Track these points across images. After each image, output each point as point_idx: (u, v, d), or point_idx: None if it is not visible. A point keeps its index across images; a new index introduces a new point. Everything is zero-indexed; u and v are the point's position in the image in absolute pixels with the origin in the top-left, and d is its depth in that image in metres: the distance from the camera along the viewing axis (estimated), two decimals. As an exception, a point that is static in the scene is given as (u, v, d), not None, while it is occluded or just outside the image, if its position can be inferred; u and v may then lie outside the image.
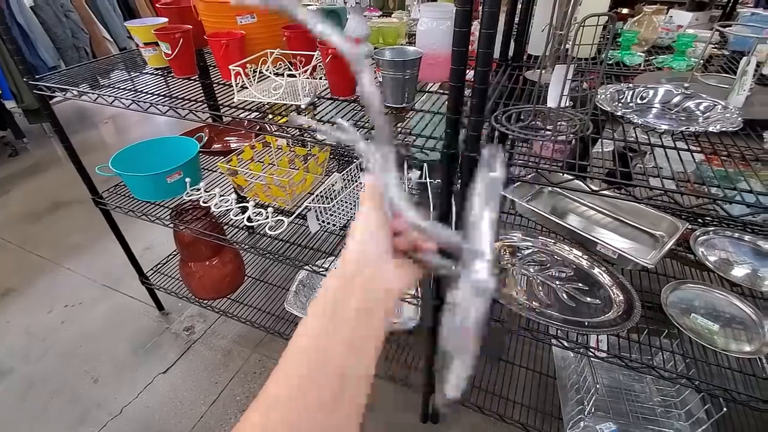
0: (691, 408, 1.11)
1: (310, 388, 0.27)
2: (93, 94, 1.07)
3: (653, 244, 1.11)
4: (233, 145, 1.67)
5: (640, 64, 1.12)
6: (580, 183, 0.70)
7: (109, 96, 1.04)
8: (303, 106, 0.95)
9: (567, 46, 0.93)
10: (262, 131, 1.40)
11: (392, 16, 1.57)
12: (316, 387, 0.27)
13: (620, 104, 0.87)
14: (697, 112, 0.82)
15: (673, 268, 1.14)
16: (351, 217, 1.27)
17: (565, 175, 0.68)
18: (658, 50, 1.24)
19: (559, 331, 0.89)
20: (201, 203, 1.25)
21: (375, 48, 1.21)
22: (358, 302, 0.30)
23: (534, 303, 0.94)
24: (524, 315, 0.88)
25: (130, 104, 1.01)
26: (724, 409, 0.93)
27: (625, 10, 2.79)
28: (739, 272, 1.04)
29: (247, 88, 0.97)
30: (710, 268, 1.03)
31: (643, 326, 0.92)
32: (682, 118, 0.83)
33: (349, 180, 1.35)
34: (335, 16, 1.25)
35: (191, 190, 1.28)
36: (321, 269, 1.15)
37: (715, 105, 0.81)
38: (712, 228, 1.15)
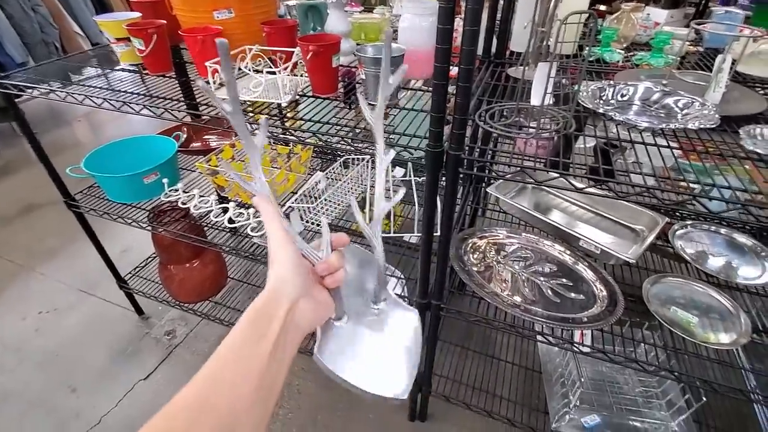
0: (672, 398, 1.13)
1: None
2: (62, 92, 1.03)
3: (634, 238, 1.13)
4: (213, 144, 1.62)
5: (619, 61, 1.13)
6: (564, 180, 0.71)
7: (79, 94, 0.99)
8: (284, 104, 0.93)
9: (549, 43, 0.93)
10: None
11: (374, 11, 1.55)
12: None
13: (602, 101, 0.88)
14: (676, 109, 0.83)
15: (653, 260, 1.17)
16: (336, 215, 1.25)
17: (550, 173, 0.68)
18: (636, 47, 1.26)
19: (544, 327, 0.89)
20: (180, 204, 1.22)
21: (357, 44, 1.19)
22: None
23: (519, 299, 0.94)
24: (509, 312, 0.88)
25: (102, 103, 0.97)
26: (704, 399, 0.95)
27: (602, 7, 2.83)
28: (715, 264, 1.07)
29: (225, 86, 0.94)
30: (688, 261, 1.05)
31: (625, 318, 0.94)
32: (662, 115, 0.84)
33: (332, 178, 1.33)
34: (316, 11, 1.22)
35: (169, 191, 1.24)
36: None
37: (693, 102, 0.82)
38: (690, 222, 1.18)
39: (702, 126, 0.73)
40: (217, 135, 1.66)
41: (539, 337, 0.91)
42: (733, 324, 0.92)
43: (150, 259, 1.68)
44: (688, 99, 0.83)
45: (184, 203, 1.22)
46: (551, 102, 0.73)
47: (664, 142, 0.77)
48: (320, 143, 0.88)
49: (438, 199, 1.00)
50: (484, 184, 1.44)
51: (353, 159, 1.39)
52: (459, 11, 1.39)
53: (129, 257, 1.86)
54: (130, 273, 1.61)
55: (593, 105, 0.83)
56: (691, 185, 0.68)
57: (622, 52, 1.16)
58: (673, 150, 0.76)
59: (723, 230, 1.16)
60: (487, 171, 0.76)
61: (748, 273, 1.04)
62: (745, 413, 1.18)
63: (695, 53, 1.20)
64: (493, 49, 1.16)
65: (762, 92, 0.99)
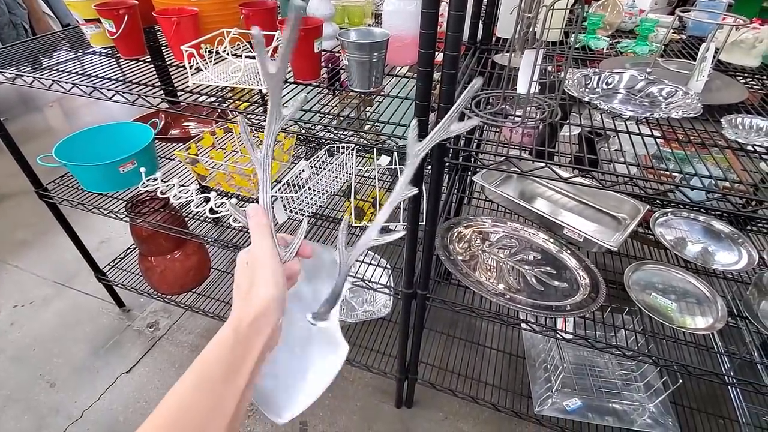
0: (650, 380, 1.17)
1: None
2: (28, 77, 0.97)
3: (616, 226, 1.14)
4: (192, 131, 1.57)
5: (605, 49, 1.13)
6: (549, 170, 0.71)
7: (47, 79, 0.94)
8: (264, 90, 0.90)
9: (536, 29, 0.92)
10: (221, 117, 1.32)
11: (358, -6, 1.51)
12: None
13: (587, 89, 0.88)
14: (660, 98, 0.84)
15: (635, 247, 1.19)
16: (321, 204, 1.23)
17: (535, 162, 0.68)
18: (622, 34, 1.25)
19: (528, 315, 0.90)
20: (159, 194, 1.18)
21: (340, 28, 1.16)
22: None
23: (503, 288, 0.95)
24: (494, 301, 0.89)
25: (71, 88, 0.92)
26: (680, 381, 0.98)
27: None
28: (693, 250, 1.09)
29: (202, 70, 0.91)
30: (667, 248, 1.07)
31: (606, 304, 0.96)
32: (646, 104, 0.85)
33: (317, 167, 1.31)
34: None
35: (147, 181, 1.20)
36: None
37: (677, 91, 0.83)
38: (670, 209, 1.20)
39: (685, 115, 0.73)
40: (197, 122, 1.60)
41: (523, 325, 0.92)
42: (710, 309, 0.94)
43: (130, 250, 1.63)
44: (672, 88, 0.84)
45: (163, 193, 1.18)
46: (537, 90, 0.72)
47: (648, 131, 0.77)
48: (303, 131, 0.86)
49: (424, 188, 0.99)
50: (469, 173, 1.43)
51: (338, 147, 1.37)
52: None
53: (108, 248, 1.81)
54: (109, 264, 1.56)
55: (579, 93, 0.83)
56: (673, 174, 0.69)
57: (608, 39, 1.15)
58: (656, 139, 0.76)
59: (702, 217, 1.18)
60: (472, 161, 0.75)
61: (725, 259, 1.07)
62: (720, 394, 1.23)
63: (679, 41, 1.21)
64: (480, 35, 1.14)
65: (743, 81, 1.00)
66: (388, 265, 1.41)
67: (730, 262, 1.06)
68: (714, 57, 0.88)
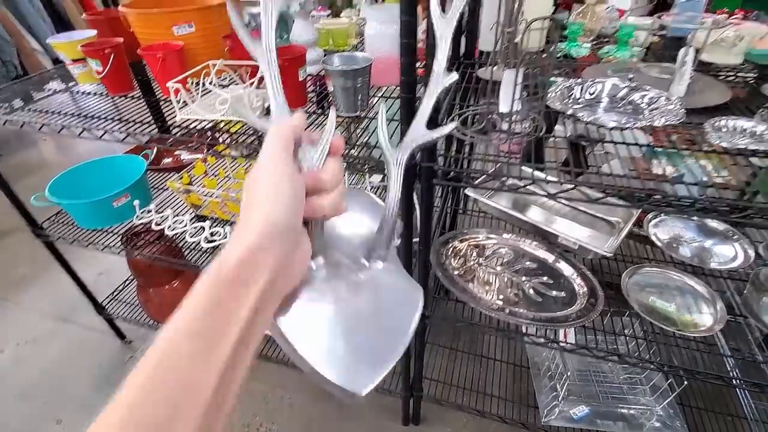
0: (656, 382, 1.16)
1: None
2: (18, 119, 0.98)
3: (611, 230, 1.15)
4: (184, 158, 1.58)
5: (587, 55, 1.14)
6: (538, 185, 0.72)
7: (36, 122, 0.95)
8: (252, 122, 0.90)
9: (516, 40, 0.93)
10: (212, 145, 1.33)
11: (341, 15, 1.53)
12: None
13: (571, 100, 0.89)
14: (643, 105, 0.84)
15: (630, 248, 1.19)
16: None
17: (522, 180, 0.68)
18: (603, 39, 1.27)
19: (528, 328, 0.90)
20: (153, 226, 1.19)
21: (324, 52, 1.17)
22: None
23: (502, 301, 0.95)
24: (494, 316, 0.89)
25: (61, 129, 0.93)
26: (685, 382, 0.98)
27: (571, -4, 2.85)
28: (689, 249, 1.09)
29: (189, 105, 0.92)
30: (663, 250, 1.07)
31: (606, 309, 0.96)
32: (629, 111, 0.85)
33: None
34: (281, 20, 1.20)
35: (141, 213, 1.20)
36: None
37: (660, 97, 0.84)
38: (663, 209, 1.20)
39: (668, 122, 0.74)
40: (189, 150, 1.61)
41: (525, 339, 0.92)
42: (709, 309, 0.94)
43: (128, 281, 1.63)
44: (655, 94, 0.84)
45: (157, 224, 1.19)
46: (520, 107, 0.73)
47: (635, 138, 0.78)
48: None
49: (416, 202, 0.99)
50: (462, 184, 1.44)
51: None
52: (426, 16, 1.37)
53: (107, 279, 1.81)
54: (108, 297, 1.56)
55: (562, 106, 0.83)
56: (664, 173, 0.69)
57: (590, 45, 1.17)
58: (642, 146, 0.77)
59: (695, 216, 1.19)
60: (463, 181, 0.76)
61: (721, 256, 1.07)
62: (726, 392, 1.22)
63: (660, 43, 1.22)
64: (462, 50, 1.16)
65: (725, 78, 1.02)
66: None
67: (727, 259, 1.06)
68: (695, 59, 0.90)
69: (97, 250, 1.23)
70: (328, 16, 1.54)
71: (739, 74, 1.03)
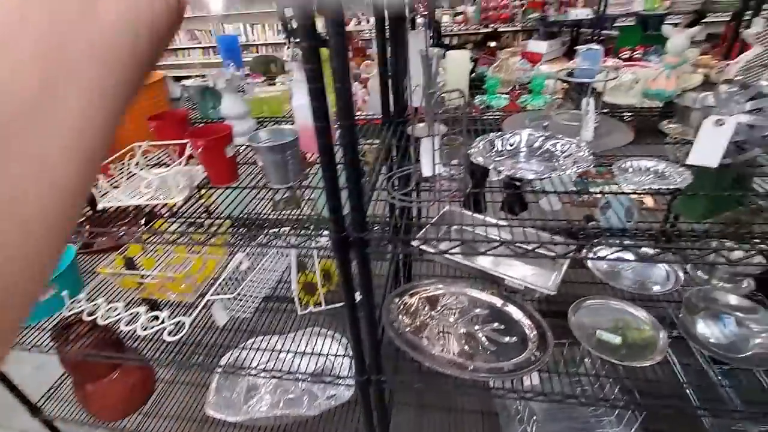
0: (620, 412, 1.17)
1: None
2: None
3: (553, 265, 1.18)
4: (121, 236, 1.50)
5: (507, 105, 1.22)
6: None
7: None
8: (180, 203, 0.88)
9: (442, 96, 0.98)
10: (148, 223, 1.28)
11: (275, 80, 1.57)
12: None
13: (494, 153, 0.93)
14: (557, 153, 0.90)
15: (578, 274, 1.23)
16: (263, 297, 1.20)
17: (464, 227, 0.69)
18: (522, 87, 1.37)
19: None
20: (85, 316, 1.10)
21: (258, 121, 1.18)
22: None
23: (457, 355, 0.94)
24: (450, 373, 0.87)
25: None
26: (644, 413, 0.99)
27: (493, 43, 3.10)
28: (628, 277, 1.14)
29: (112, 190, 0.88)
30: (602, 280, 1.12)
31: (561, 342, 0.97)
32: (547, 158, 0.91)
33: (255, 255, 1.28)
34: (213, 92, 1.21)
35: (71, 304, 1.12)
36: (239, 369, 1.05)
37: (570, 144, 0.90)
38: (598, 239, 1.27)
39: (580, 169, 0.79)
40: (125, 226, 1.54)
41: (486, 390, 0.91)
42: (652, 336, 0.98)
43: (66, 376, 1.48)
44: (566, 141, 0.91)
45: (90, 314, 1.10)
46: (442, 170, 0.76)
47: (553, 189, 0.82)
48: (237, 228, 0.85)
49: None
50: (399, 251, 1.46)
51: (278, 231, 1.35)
52: (364, 79, 1.44)
53: (43, 374, 1.62)
54: (44, 396, 1.40)
55: (485, 160, 0.88)
56: (594, 202, 0.73)
57: (508, 96, 1.25)
58: (561, 197, 0.81)
59: (628, 242, 1.25)
60: (399, 248, 0.76)
61: (659, 278, 1.13)
62: (690, 413, 1.24)
63: (569, 88, 1.34)
64: (393, 108, 1.20)
65: (627, 118, 1.12)
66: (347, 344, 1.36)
67: (663, 280, 1.12)
68: (597, 105, 0.98)
69: (25, 350, 1.11)
70: (263, 82, 1.58)
71: (639, 113, 1.14)
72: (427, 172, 0.72)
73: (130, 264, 1.21)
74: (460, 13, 3.52)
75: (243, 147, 1.04)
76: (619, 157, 0.89)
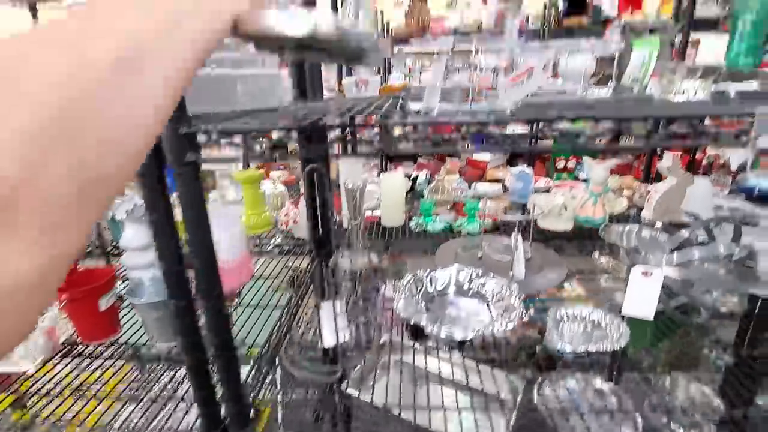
0: None
1: None
2: None
3: (499, 407, 1.05)
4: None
5: (443, 229, 1.18)
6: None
7: None
8: (32, 371, 0.70)
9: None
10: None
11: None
12: None
13: (420, 295, 0.84)
14: (488, 295, 0.83)
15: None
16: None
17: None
18: (459, 208, 1.35)
19: None
20: None
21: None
22: None
23: None
24: None
25: None
26: None
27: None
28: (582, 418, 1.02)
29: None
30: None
31: None
32: (478, 297, 0.83)
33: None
34: (112, 223, 1.10)
35: None
36: None
37: (501, 286, 0.83)
38: (546, 375, 1.16)
39: (508, 329, 0.71)
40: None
41: None
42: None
43: None
44: (496, 283, 0.84)
45: None
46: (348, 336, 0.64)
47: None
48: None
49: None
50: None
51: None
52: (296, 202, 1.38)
53: None
54: None
55: (409, 316, 0.76)
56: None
57: (445, 219, 1.21)
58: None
59: (580, 374, 1.15)
60: None
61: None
62: None
63: (506, 209, 1.33)
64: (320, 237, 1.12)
65: (560, 246, 1.09)
66: None
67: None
68: (531, 231, 0.95)
69: None
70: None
71: (572, 240, 1.12)
72: (329, 342, 0.61)
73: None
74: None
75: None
76: (553, 302, 0.82)
